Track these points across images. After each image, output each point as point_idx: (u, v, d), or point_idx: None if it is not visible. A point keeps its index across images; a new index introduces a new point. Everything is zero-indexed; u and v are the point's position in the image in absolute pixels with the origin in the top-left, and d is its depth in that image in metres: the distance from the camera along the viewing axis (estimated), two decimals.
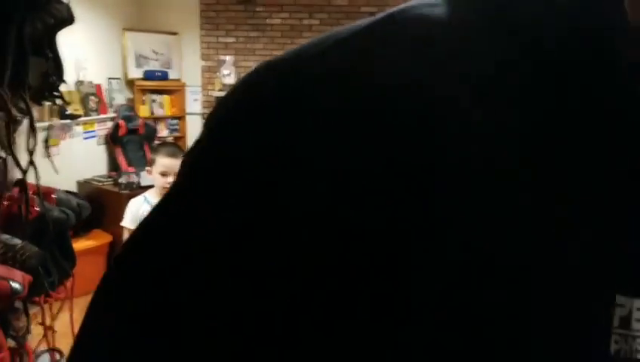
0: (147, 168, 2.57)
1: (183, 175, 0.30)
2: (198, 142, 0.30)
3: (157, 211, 0.30)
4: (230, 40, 6.26)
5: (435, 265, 0.23)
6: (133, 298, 0.28)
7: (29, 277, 1.14)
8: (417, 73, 0.25)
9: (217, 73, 6.16)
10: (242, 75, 4.94)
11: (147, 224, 0.30)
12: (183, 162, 0.31)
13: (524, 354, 0.23)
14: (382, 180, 0.24)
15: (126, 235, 2.50)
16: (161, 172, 2.43)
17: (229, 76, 6.07)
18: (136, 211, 2.53)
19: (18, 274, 1.12)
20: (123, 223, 2.57)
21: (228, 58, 6.07)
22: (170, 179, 2.44)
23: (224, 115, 0.31)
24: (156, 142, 5.82)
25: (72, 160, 4.51)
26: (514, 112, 0.24)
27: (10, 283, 1.08)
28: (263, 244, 0.25)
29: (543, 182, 0.23)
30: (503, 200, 0.23)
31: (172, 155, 2.50)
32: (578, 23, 0.24)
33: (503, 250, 0.23)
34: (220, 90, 6.16)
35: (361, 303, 0.24)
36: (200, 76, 6.35)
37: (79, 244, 3.75)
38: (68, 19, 1.34)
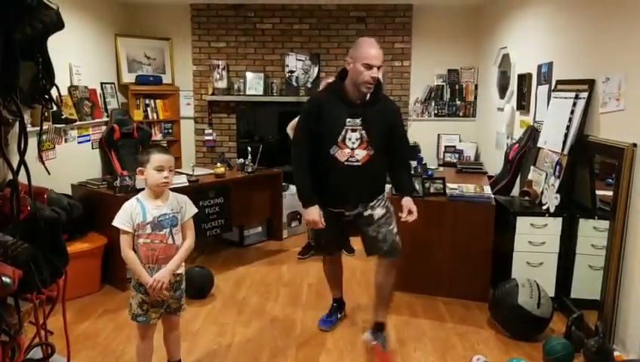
0: (139, 169, 2.58)
1: (301, 113, 3.13)
2: (304, 107, 3.16)
3: (299, 122, 3.14)
4: (221, 45, 6.32)
5: (320, 125, 2.95)
6: (297, 141, 3.10)
7: (19, 272, 1.18)
8: (322, 99, 3.07)
9: (210, 77, 6.22)
10: (234, 79, 5.21)
11: (298, 127, 3.13)
12: (301, 111, 3.15)
13: (333, 135, 2.94)
14: (315, 112, 3.00)
15: (125, 240, 2.54)
16: (157, 167, 2.52)
17: (220, 80, 6.13)
18: (129, 212, 2.56)
19: (8, 268, 1.16)
20: (114, 223, 2.57)
21: (219, 63, 6.12)
22: (166, 173, 2.54)
23: (307, 102, 3.27)
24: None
25: (66, 164, 4.55)
26: (331, 106, 2.97)
27: (1, 277, 1.12)
28: (309, 121, 3.01)
29: (336, 113, 2.94)
30: (334, 117, 2.93)
31: (164, 152, 2.64)
32: (335, 94, 3.02)
33: (333, 124, 2.94)
34: (213, 95, 6.21)
35: (317, 128, 2.97)
36: (192, 80, 6.40)
37: (75, 247, 3.79)
38: (57, 25, 1.38)
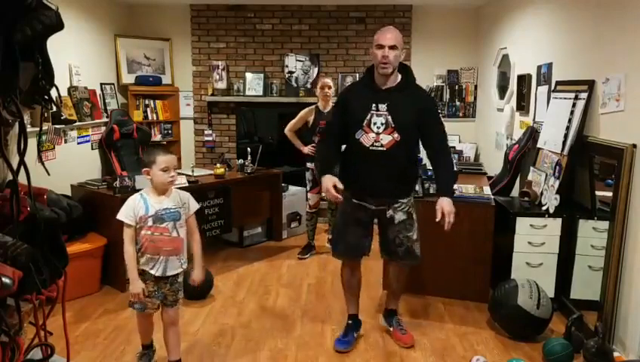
0: (144, 169, 2.77)
1: (335, 105, 3.28)
2: (337, 98, 3.35)
3: (333, 113, 3.40)
4: (221, 45, 6.32)
5: (348, 114, 3.05)
6: (324, 131, 3.79)
7: (19, 273, 1.18)
8: (350, 90, 3.25)
9: (209, 78, 6.22)
10: (233, 80, 5.15)
11: (332, 115, 3.43)
12: (336, 101, 3.35)
13: (359, 119, 2.98)
14: (342, 105, 3.12)
15: (128, 233, 2.72)
16: (163, 168, 2.71)
17: (220, 81, 6.13)
18: (132, 206, 2.73)
19: (8, 269, 1.16)
20: (118, 216, 2.74)
21: (219, 63, 6.12)
22: (172, 173, 2.75)
23: (338, 97, 3.30)
24: (151, 146, 5.88)
25: (66, 164, 4.55)
26: (358, 93, 3.08)
27: (1, 278, 1.11)
28: (341, 110, 3.11)
29: (363, 99, 3.00)
30: (360, 103, 3.00)
31: (168, 153, 2.85)
32: (363, 83, 3.12)
33: (358, 109, 2.99)
34: (212, 95, 6.21)
35: (344, 120, 3.07)
36: (192, 81, 6.40)
37: (75, 247, 3.79)
38: (57, 26, 1.38)
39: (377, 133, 2.93)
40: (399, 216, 3.07)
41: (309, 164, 4.93)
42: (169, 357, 2.88)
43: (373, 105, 2.94)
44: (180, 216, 2.79)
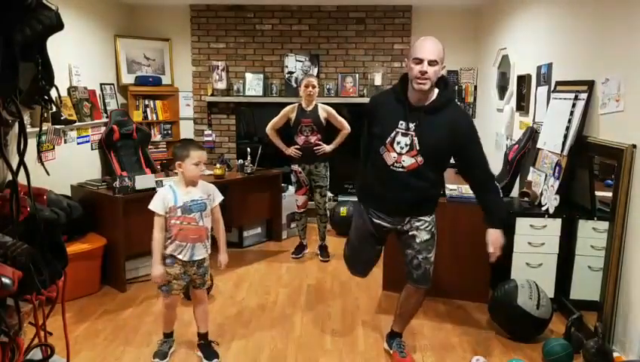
0: (177, 163, 2.93)
1: (368, 106, 2.92)
2: (367, 104, 2.96)
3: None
4: (221, 46, 6.32)
5: (374, 124, 2.82)
6: (363, 150, 3.00)
7: (18, 273, 1.18)
8: (382, 98, 2.91)
9: (209, 78, 6.22)
10: (233, 80, 5.09)
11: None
12: (369, 101, 2.98)
13: (383, 135, 2.73)
14: (370, 111, 2.86)
15: (158, 221, 2.90)
16: (196, 162, 2.89)
17: (220, 81, 6.13)
18: (161, 198, 2.91)
19: (8, 269, 1.15)
20: (150, 206, 2.91)
21: (219, 64, 6.12)
22: (203, 167, 2.94)
23: (370, 101, 2.96)
24: (151, 146, 5.88)
25: (66, 164, 4.55)
26: (389, 105, 2.77)
27: (1, 278, 1.11)
28: (369, 115, 2.86)
29: (391, 114, 2.73)
30: (388, 117, 2.74)
31: (201, 148, 2.99)
32: (395, 94, 2.77)
33: (385, 123, 2.75)
34: (212, 95, 6.21)
35: (367, 124, 2.87)
36: (191, 81, 6.40)
37: (74, 248, 3.79)
38: (57, 26, 1.38)
39: (400, 154, 2.69)
40: (422, 236, 2.83)
41: (293, 166, 4.85)
42: (198, 330, 3.15)
43: (401, 122, 2.68)
44: (206, 207, 2.98)
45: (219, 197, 3.08)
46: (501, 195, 2.87)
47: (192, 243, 2.93)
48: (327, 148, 4.73)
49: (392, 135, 2.70)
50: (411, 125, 2.66)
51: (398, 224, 2.86)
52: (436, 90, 2.70)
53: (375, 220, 2.90)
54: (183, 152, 2.91)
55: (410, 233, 2.85)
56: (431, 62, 2.56)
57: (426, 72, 2.55)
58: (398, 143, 2.69)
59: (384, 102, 2.81)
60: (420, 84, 2.58)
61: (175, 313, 3.13)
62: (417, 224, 2.83)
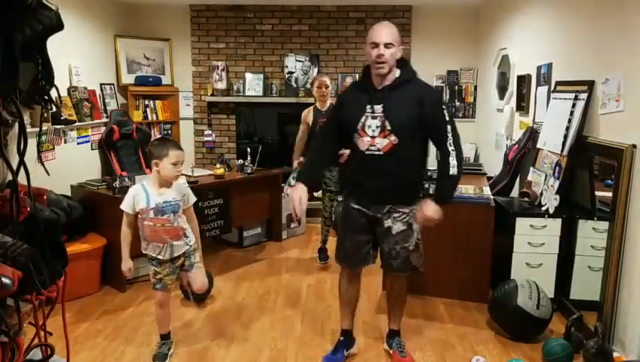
0: (154, 161, 2.85)
1: (335, 103, 3.07)
2: (335, 100, 3.16)
3: (332, 111, 3.18)
4: (221, 46, 6.32)
5: (344, 118, 2.85)
6: (322, 127, 3.65)
7: (18, 273, 1.18)
8: (346, 93, 3.00)
9: (209, 78, 6.22)
10: (233, 80, 5.11)
11: (330, 114, 3.26)
12: (336, 101, 3.11)
13: (353, 123, 2.76)
14: (339, 108, 2.93)
15: (126, 219, 2.89)
16: (174, 162, 2.82)
17: (220, 81, 6.13)
18: (133, 197, 2.85)
19: (8, 269, 1.15)
20: (122, 206, 2.88)
21: (219, 64, 6.12)
22: (180, 167, 2.88)
23: (336, 100, 3.08)
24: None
25: (66, 165, 4.55)
26: (354, 95, 2.86)
27: (1, 278, 1.11)
28: (337, 110, 2.94)
29: (358, 102, 2.78)
30: (354, 106, 2.79)
31: (179, 148, 2.92)
32: (359, 84, 2.92)
33: (353, 112, 2.79)
34: (212, 95, 6.22)
35: (339, 121, 2.88)
36: (191, 81, 6.40)
37: (74, 248, 3.79)
38: (57, 26, 1.38)
39: (372, 137, 2.71)
40: (398, 227, 2.83)
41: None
42: (192, 291, 3.29)
43: (368, 106, 2.72)
44: (179, 208, 2.93)
45: (192, 199, 3.04)
46: (456, 173, 2.82)
47: (169, 243, 2.90)
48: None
49: (362, 120, 2.74)
50: (378, 107, 2.71)
51: (378, 212, 2.84)
52: (397, 71, 2.76)
53: (355, 206, 2.88)
54: (162, 151, 2.81)
55: (386, 225, 2.84)
56: (387, 45, 2.64)
57: (383, 55, 2.64)
58: (369, 127, 2.73)
59: (349, 95, 2.91)
60: (379, 67, 2.67)
61: (168, 311, 3.12)
62: (395, 215, 2.83)
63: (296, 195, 2.79)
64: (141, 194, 2.84)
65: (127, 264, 2.94)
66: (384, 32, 2.66)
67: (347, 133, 2.83)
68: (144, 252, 2.96)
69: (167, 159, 2.80)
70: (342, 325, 3.15)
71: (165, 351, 3.07)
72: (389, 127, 2.69)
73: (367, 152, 2.75)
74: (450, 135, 2.78)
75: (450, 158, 2.80)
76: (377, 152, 2.72)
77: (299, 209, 2.78)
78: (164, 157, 2.80)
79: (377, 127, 2.71)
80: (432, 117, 2.72)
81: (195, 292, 3.24)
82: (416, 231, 2.89)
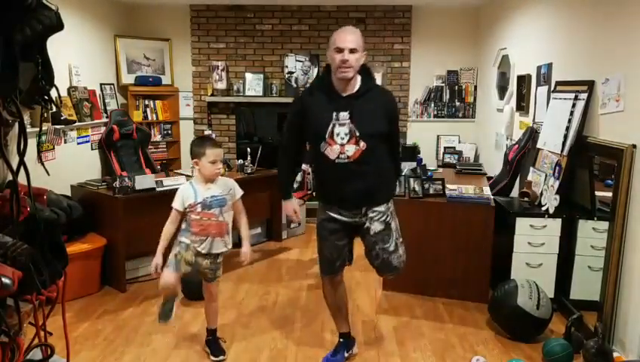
0: (194, 160, 2.96)
1: (290, 107, 3.00)
2: (295, 99, 3.09)
3: (289, 115, 2.97)
4: (221, 46, 6.32)
5: (308, 123, 2.79)
6: (282, 136, 3.02)
7: (18, 273, 1.17)
8: (308, 97, 2.85)
9: (209, 78, 6.22)
10: (233, 80, 5.11)
11: (287, 120, 2.97)
12: (294, 101, 3.07)
13: (320, 131, 2.71)
14: (300, 112, 2.82)
15: (173, 215, 2.96)
16: (212, 160, 2.91)
17: (220, 81, 6.13)
18: (182, 195, 2.95)
19: (8, 269, 1.15)
20: (173, 204, 2.96)
21: (219, 64, 6.12)
22: (219, 165, 2.96)
23: (295, 102, 2.99)
24: (151, 146, 5.88)
25: (66, 165, 4.55)
26: (318, 101, 2.76)
27: (1, 278, 1.11)
28: (294, 115, 2.87)
29: (323, 108, 2.72)
30: (319, 112, 2.72)
31: (217, 146, 3.00)
32: (321, 88, 2.79)
33: (319, 119, 2.72)
34: (212, 95, 6.22)
35: (297, 124, 2.85)
36: (191, 81, 6.40)
37: (75, 248, 3.79)
38: (57, 26, 1.38)
39: (342, 145, 2.68)
40: (375, 227, 2.81)
41: (304, 166, 4.85)
42: (208, 325, 3.19)
43: (334, 114, 2.68)
44: (227, 202, 3.00)
45: (239, 192, 3.10)
46: (397, 175, 3.19)
47: (212, 238, 2.97)
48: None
49: (330, 128, 2.69)
50: (344, 114, 2.68)
51: (355, 217, 2.83)
52: (359, 77, 2.75)
53: (333, 214, 2.84)
54: (200, 150, 2.92)
55: (364, 226, 2.83)
56: (352, 50, 2.63)
57: (348, 60, 2.62)
58: (338, 134, 2.69)
59: (312, 100, 2.80)
60: (343, 72, 2.65)
61: (172, 290, 3.02)
62: (371, 215, 2.81)
63: (289, 209, 3.02)
64: (189, 191, 2.95)
65: (158, 258, 2.92)
66: (348, 38, 2.64)
67: (314, 140, 2.79)
68: (180, 239, 2.96)
69: (205, 158, 2.90)
70: (338, 329, 3.14)
71: (170, 306, 3.04)
72: (357, 134, 2.68)
73: (337, 160, 2.71)
74: (399, 142, 3.11)
75: (398, 162, 3.14)
76: (347, 160, 2.70)
77: (296, 218, 3.08)
78: (202, 156, 2.91)
79: (346, 134, 2.68)
80: (393, 122, 2.87)
81: (207, 306, 3.19)
82: (395, 231, 2.88)
